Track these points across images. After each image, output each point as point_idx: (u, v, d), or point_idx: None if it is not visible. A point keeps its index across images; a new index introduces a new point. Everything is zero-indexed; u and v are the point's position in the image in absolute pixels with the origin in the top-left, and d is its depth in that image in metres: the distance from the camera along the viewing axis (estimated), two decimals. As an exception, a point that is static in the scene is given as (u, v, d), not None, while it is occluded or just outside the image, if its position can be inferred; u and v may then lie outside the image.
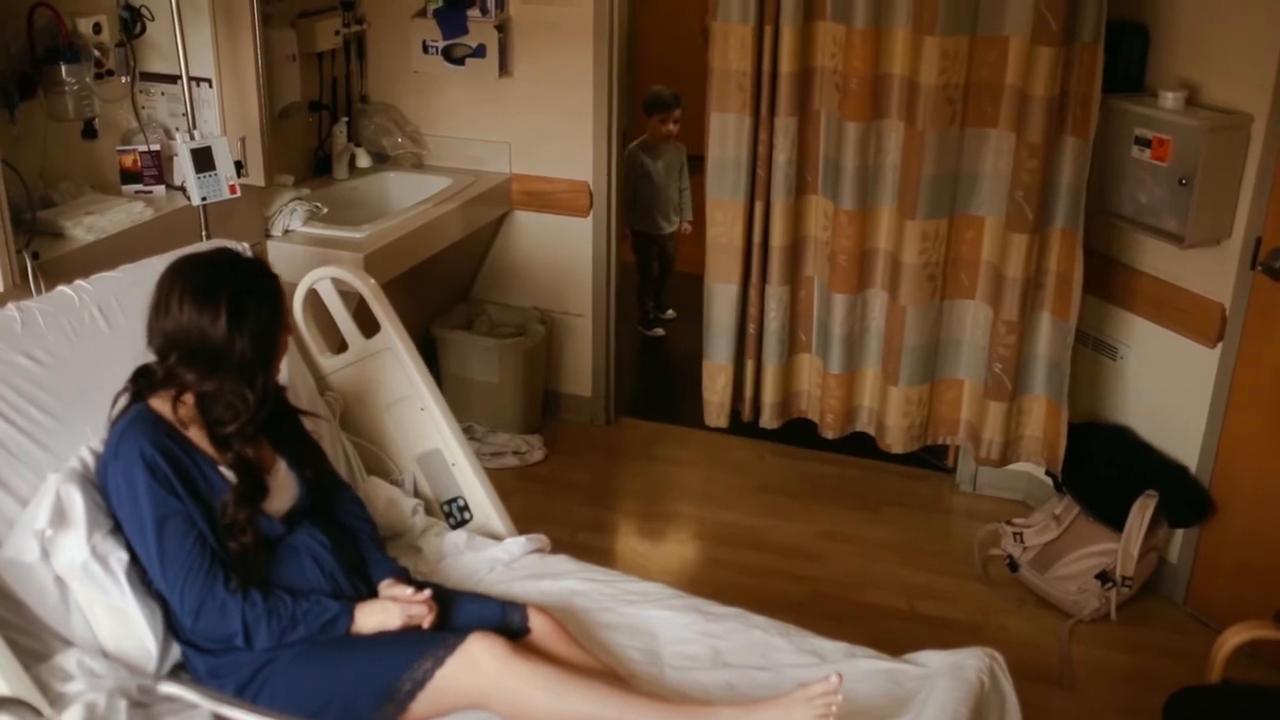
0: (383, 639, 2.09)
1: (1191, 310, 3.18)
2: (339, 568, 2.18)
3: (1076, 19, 2.99)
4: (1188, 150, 2.98)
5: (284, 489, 2.19)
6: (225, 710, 2.02)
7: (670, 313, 5.35)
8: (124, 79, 3.13)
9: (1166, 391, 3.32)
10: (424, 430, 2.71)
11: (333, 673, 2.04)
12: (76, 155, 3.07)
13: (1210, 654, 2.41)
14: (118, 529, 2.06)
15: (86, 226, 2.88)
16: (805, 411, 3.74)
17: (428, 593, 2.17)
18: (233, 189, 3.06)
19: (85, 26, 2.95)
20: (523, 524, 2.71)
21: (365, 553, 2.30)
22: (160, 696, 2.04)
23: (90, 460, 2.12)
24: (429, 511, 2.70)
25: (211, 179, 3.02)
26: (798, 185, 3.45)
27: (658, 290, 5.30)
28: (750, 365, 3.67)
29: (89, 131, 3.05)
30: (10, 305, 2.26)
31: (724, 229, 3.49)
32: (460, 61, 4.00)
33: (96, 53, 2.98)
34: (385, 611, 2.12)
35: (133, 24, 3.10)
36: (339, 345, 2.83)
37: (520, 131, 4.09)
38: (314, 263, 3.00)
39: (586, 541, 3.52)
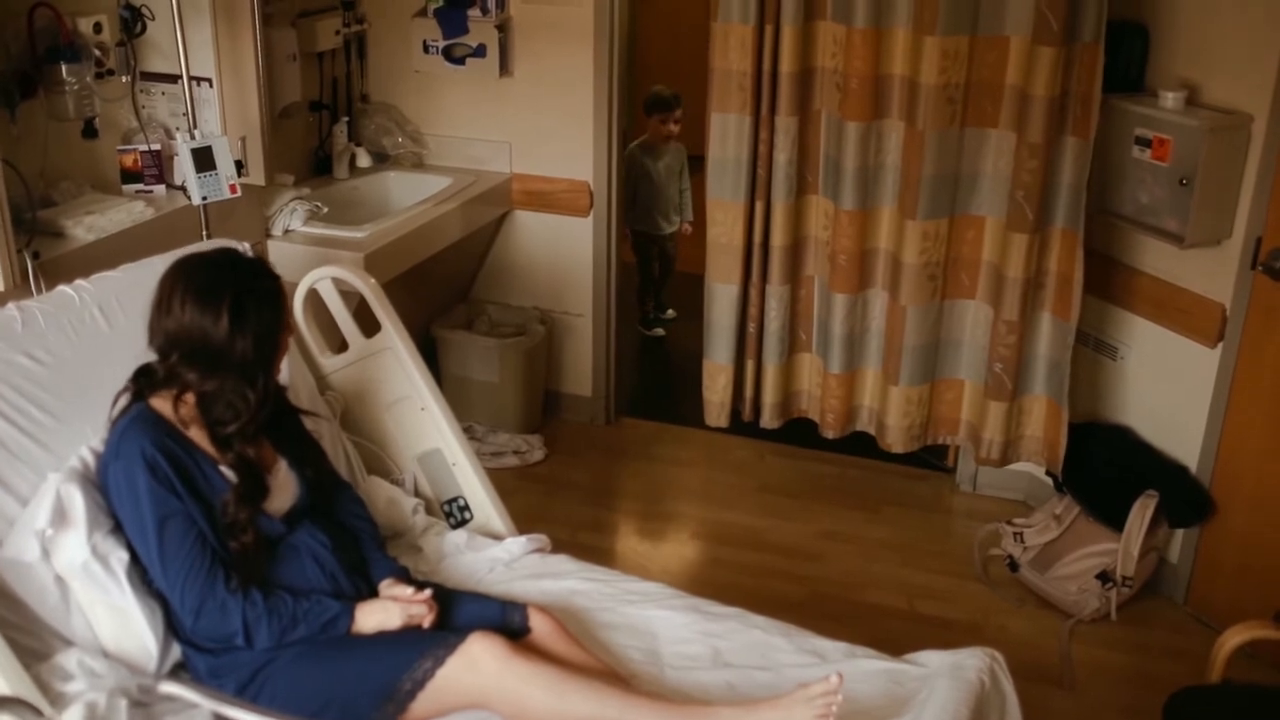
0: (383, 639, 2.09)
1: (1192, 310, 3.18)
2: (339, 567, 2.18)
3: (1077, 19, 2.99)
4: (1188, 150, 2.98)
5: (284, 488, 2.19)
6: (225, 710, 2.02)
7: (670, 312, 5.36)
8: (124, 78, 3.13)
9: (1167, 392, 3.32)
10: (424, 430, 2.71)
11: (333, 672, 2.04)
12: (77, 155, 3.07)
13: (1210, 654, 2.41)
14: (118, 528, 2.06)
15: (87, 226, 2.88)
16: (806, 411, 3.74)
17: (428, 592, 2.17)
18: (233, 188, 3.06)
19: (86, 26, 2.95)
20: (523, 524, 2.71)
21: (366, 552, 2.30)
22: (160, 696, 2.04)
23: (91, 460, 2.12)
24: (429, 511, 2.70)
25: (212, 178, 3.02)
26: (798, 185, 3.45)
27: (658, 290, 5.30)
28: (751, 365, 3.67)
29: (89, 131, 3.05)
30: (11, 305, 2.26)
31: (724, 229, 3.49)
32: (461, 61, 4.00)
33: (97, 52, 2.98)
34: (386, 611, 2.12)
35: (133, 23, 3.10)
36: (339, 345, 2.83)
37: (520, 131, 4.09)
38: (314, 262, 3.00)
39: (587, 541, 3.52)
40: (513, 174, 4.13)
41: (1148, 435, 3.41)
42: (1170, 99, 3.05)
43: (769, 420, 3.73)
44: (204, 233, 3.07)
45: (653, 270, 5.21)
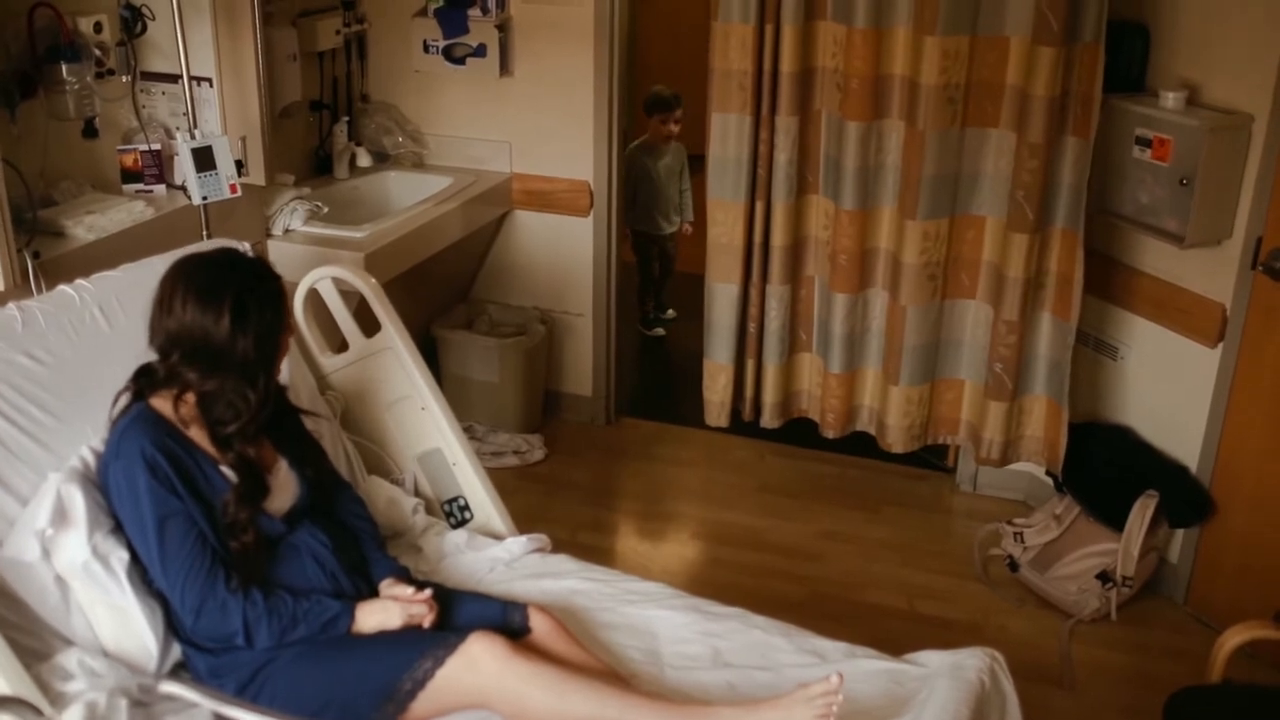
0: (383, 639, 2.09)
1: (1192, 310, 3.18)
2: (340, 567, 2.18)
3: (1077, 19, 2.99)
4: (1188, 150, 2.98)
5: (285, 488, 2.19)
6: (226, 709, 2.02)
7: (671, 312, 5.36)
8: (125, 78, 3.13)
9: (1167, 392, 3.32)
10: (425, 430, 2.71)
11: (333, 672, 2.04)
12: (77, 154, 3.07)
13: (1210, 654, 2.41)
14: (118, 528, 2.06)
15: (87, 226, 2.88)
16: (806, 411, 3.74)
17: (428, 592, 2.17)
18: (233, 188, 3.06)
19: (86, 26, 2.95)
20: (523, 523, 2.71)
21: (366, 552, 2.30)
22: (161, 696, 2.04)
23: (91, 459, 2.12)
24: (429, 511, 2.70)
25: (212, 178, 3.02)
26: (798, 185, 3.45)
27: (658, 290, 5.30)
28: (751, 365, 3.67)
29: (90, 131, 3.05)
30: (11, 304, 2.26)
31: (725, 229, 3.49)
32: (461, 61, 4.00)
33: (97, 52, 2.98)
34: (386, 611, 2.12)
35: (133, 23, 3.10)
36: (340, 345, 2.83)
37: (521, 131, 4.09)
38: (315, 262, 3.00)
39: (587, 541, 3.52)
40: (513, 174, 4.13)
41: (1148, 435, 3.41)
42: (1171, 99, 3.05)
43: (769, 420, 3.73)
44: (204, 232, 3.07)
45: (653, 270, 5.21)
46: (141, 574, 2.06)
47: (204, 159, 3.00)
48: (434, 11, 3.97)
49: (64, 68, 2.85)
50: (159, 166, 3.18)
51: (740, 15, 3.26)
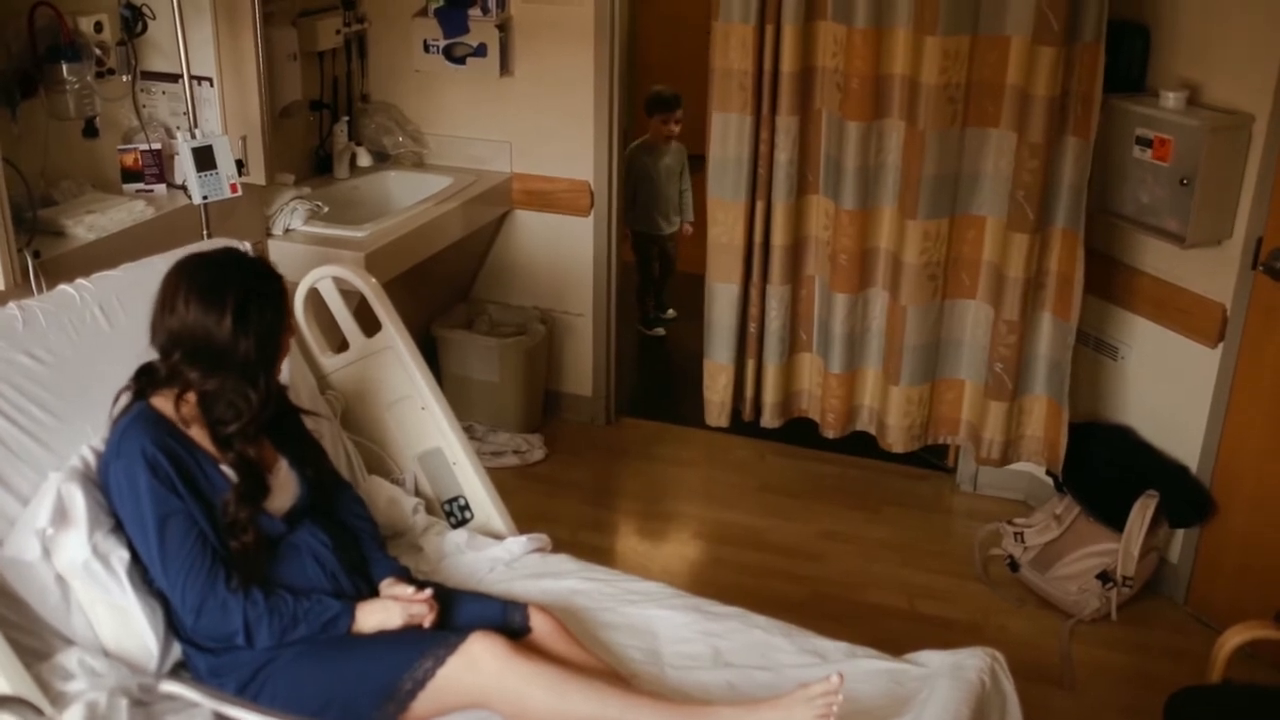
0: (384, 638, 2.09)
1: (1192, 310, 3.18)
2: (340, 567, 2.18)
3: (1078, 19, 2.99)
4: (1189, 150, 2.98)
5: (285, 488, 2.19)
6: (226, 709, 2.02)
7: (671, 312, 5.35)
8: (125, 78, 3.13)
9: (1167, 392, 3.32)
10: (425, 429, 2.71)
11: (334, 672, 2.04)
12: (78, 154, 3.07)
13: (1211, 654, 2.41)
14: (119, 528, 2.06)
15: (88, 225, 2.88)
16: (806, 411, 3.74)
17: (429, 592, 2.17)
18: (234, 188, 3.06)
19: (86, 25, 2.95)
20: (523, 523, 2.71)
21: (366, 552, 2.30)
22: (161, 695, 2.04)
23: (91, 459, 2.12)
24: (430, 510, 2.70)
25: (213, 178, 3.02)
26: (799, 185, 3.45)
27: (658, 290, 5.30)
28: (751, 365, 3.67)
29: (90, 130, 3.05)
30: (11, 304, 2.26)
31: (725, 228, 3.49)
32: (461, 61, 4.00)
33: (98, 51, 2.98)
34: (386, 611, 2.12)
35: (134, 23, 3.10)
36: (340, 344, 2.83)
37: (521, 131, 4.09)
38: (315, 262, 3.00)
39: (587, 541, 3.52)
40: (513, 173, 4.13)
41: (1148, 435, 3.41)
42: (1171, 99, 3.05)
43: (769, 420, 3.73)
44: (204, 232, 3.07)
45: (652, 270, 5.21)
46: (142, 573, 2.06)
47: (204, 158, 3.00)
48: (434, 11, 3.97)
49: (64, 67, 2.85)
50: (159, 166, 3.18)
51: (741, 15, 3.26)
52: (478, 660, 2.01)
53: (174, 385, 2.07)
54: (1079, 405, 3.42)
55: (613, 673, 2.16)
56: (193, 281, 2.05)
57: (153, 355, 2.10)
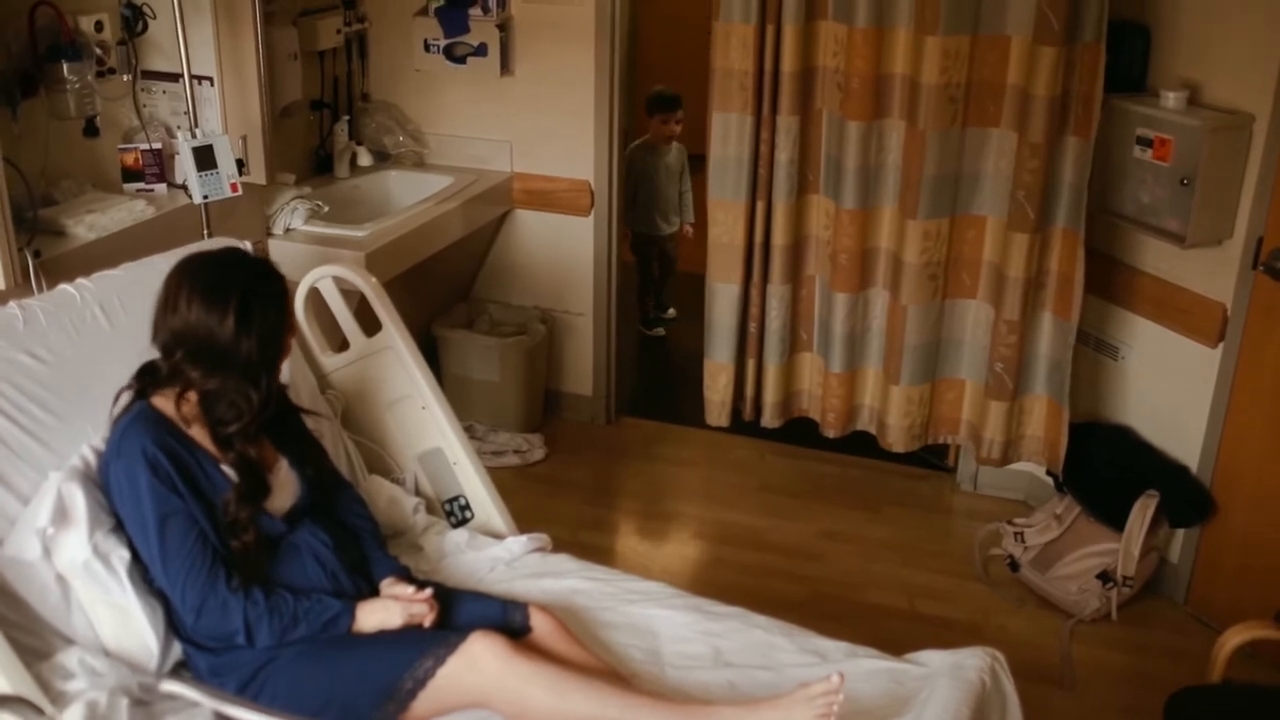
0: (384, 638, 2.09)
1: (1193, 310, 3.18)
2: (340, 566, 2.18)
3: (1078, 19, 2.99)
4: (1189, 150, 2.98)
5: (285, 487, 2.19)
6: (226, 708, 2.02)
7: (671, 312, 5.35)
8: (125, 77, 3.13)
9: (1168, 391, 3.32)
10: (425, 429, 2.71)
11: (334, 671, 2.04)
12: (78, 153, 3.07)
13: (1211, 654, 2.41)
14: (119, 527, 2.06)
15: (88, 225, 2.88)
16: (806, 411, 3.74)
17: (429, 591, 2.17)
18: (234, 187, 3.05)
19: (87, 24, 2.95)
20: (524, 523, 2.71)
21: (367, 551, 2.30)
22: (162, 695, 2.04)
23: (92, 458, 2.12)
24: (430, 510, 2.70)
25: (213, 177, 3.02)
26: (799, 184, 3.45)
27: (658, 290, 5.30)
28: (751, 364, 3.67)
29: (90, 130, 3.05)
30: (12, 303, 2.26)
31: (725, 228, 3.49)
32: (462, 60, 4.00)
33: (98, 51, 2.98)
34: (386, 610, 2.12)
35: (134, 22, 3.10)
36: (340, 344, 2.83)
37: (521, 130, 4.09)
38: (315, 261, 3.00)
39: (587, 540, 3.52)
40: (513, 173, 4.13)
41: (1148, 435, 3.41)
42: (1171, 99, 3.05)
43: (770, 420, 3.73)
44: (205, 231, 3.07)
45: (652, 270, 5.21)
46: (142, 573, 2.06)
47: (205, 158, 3.00)
48: (435, 11, 3.97)
49: (65, 66, 2.85)
50: (160, 165, 3.18)
51: (741, 15, 3.26)
52: (478, 660, 2.01)
53: (175, 384, 2.07)
54: (1079, 405, 3.42)
55: (613, 672, 2.16)
56: (195, 281, 2.05)
57: (153, 354, 2.10)
